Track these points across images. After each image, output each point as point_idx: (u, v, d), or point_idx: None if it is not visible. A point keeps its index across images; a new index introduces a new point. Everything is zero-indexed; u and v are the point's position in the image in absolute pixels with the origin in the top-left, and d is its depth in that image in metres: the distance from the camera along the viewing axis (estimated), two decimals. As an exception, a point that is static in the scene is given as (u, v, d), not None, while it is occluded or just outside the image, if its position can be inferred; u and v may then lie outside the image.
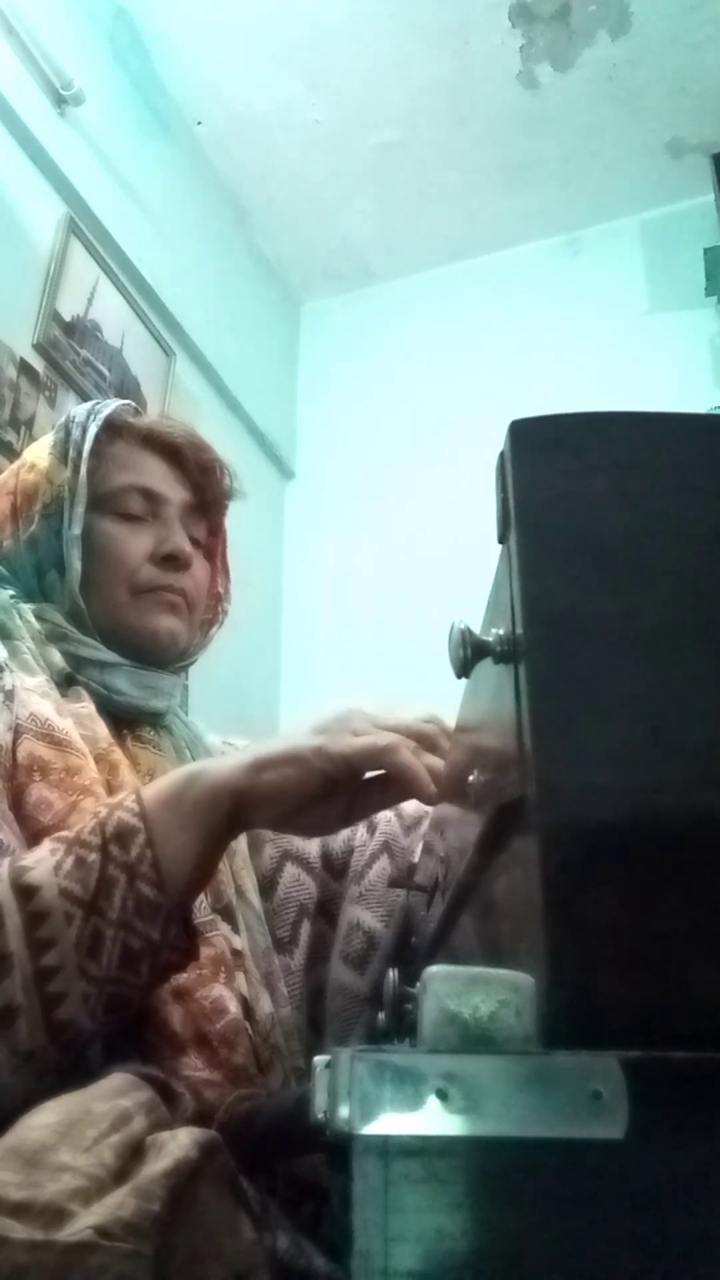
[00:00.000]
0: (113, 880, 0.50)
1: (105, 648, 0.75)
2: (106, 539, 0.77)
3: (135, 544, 0.78)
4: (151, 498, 0.80)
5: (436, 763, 0.56)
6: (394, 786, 0.58)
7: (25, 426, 1.56)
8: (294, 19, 2.06)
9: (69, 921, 0.49)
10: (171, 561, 0.79)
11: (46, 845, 0.52)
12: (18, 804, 0.59)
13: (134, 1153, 0.35)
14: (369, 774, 0.58)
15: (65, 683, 0.72)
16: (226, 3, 2.03)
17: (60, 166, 1.74)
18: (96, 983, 0.49)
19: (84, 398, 1.66)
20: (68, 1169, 0.32)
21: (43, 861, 0.50)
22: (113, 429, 0.80)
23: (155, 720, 0.79)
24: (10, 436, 1.53)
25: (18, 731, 0.62)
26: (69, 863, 0.50)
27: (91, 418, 0.80)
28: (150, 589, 0.78)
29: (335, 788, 0.57)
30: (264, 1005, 0.66)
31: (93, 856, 0.51)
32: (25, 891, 0.49)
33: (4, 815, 0.58)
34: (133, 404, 0.87)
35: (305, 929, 0.78)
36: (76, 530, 0.76)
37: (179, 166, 2.25)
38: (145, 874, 0.51)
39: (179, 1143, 0.35)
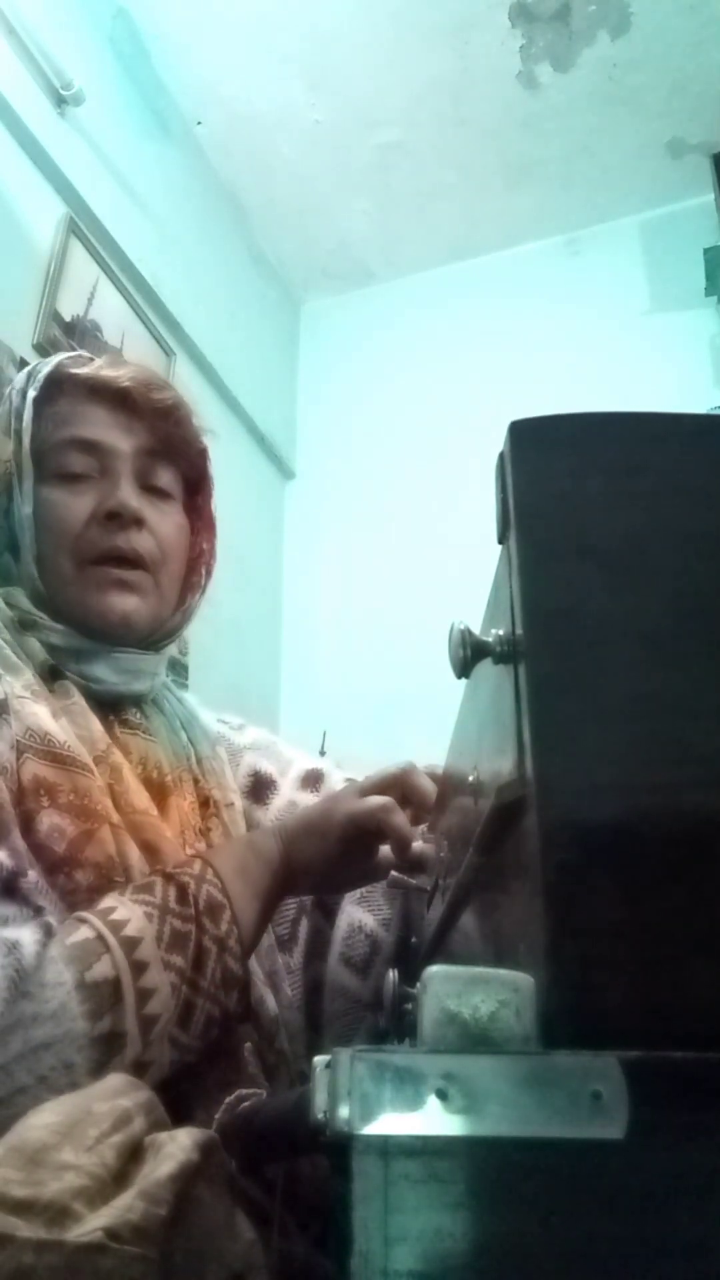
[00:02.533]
0: (206, 952, 0.54)
1: (77, 633, 0.69)
2: (46, 506, 0.69)
3: (77, 505, 0.69)
4: (93, 450, 0.70)
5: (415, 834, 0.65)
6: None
7: (25, 426, 1.56)
8: (294, 19, 2.06)
9: (173, 995, 0.51)
10: (116, 519, 0.69)
11: (138, 908, 0.53)
12: (27, 830, 0.55)
13: (132, 1153, 0.34)
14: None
15: (50, 675, 0.66)
16: (226, 3, 2.03)
17: (60, 166, 1.74)
18: (180, 1049, 0.52)
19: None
20: (70, 1168, 0.32)
21: (145, 931, 0.52)
22: (55, 385, 0.71)
23: (138, 700, 0.74)
24: (10, 436, 1.53)
25: (19, 750, 0.58)
26: (167, 933, 0.53)
27: (31, 380, 0.71)
28: (96, 558, 0.69)
29: (353, 849, 0.64)
30: (269, 1007, 0.66)
31: (188, 928, 0.54)
32: (138, 967, 0.50)
33: (25, 853, 0.53)
34: (81, 353, 0.77)
35: (303, 925, 0.78)
36: (28, 509, 0.68)
37: (179, 166, 2.25)
38: (231, 948, 0.56)
39: (179, 1144, 0.34)
